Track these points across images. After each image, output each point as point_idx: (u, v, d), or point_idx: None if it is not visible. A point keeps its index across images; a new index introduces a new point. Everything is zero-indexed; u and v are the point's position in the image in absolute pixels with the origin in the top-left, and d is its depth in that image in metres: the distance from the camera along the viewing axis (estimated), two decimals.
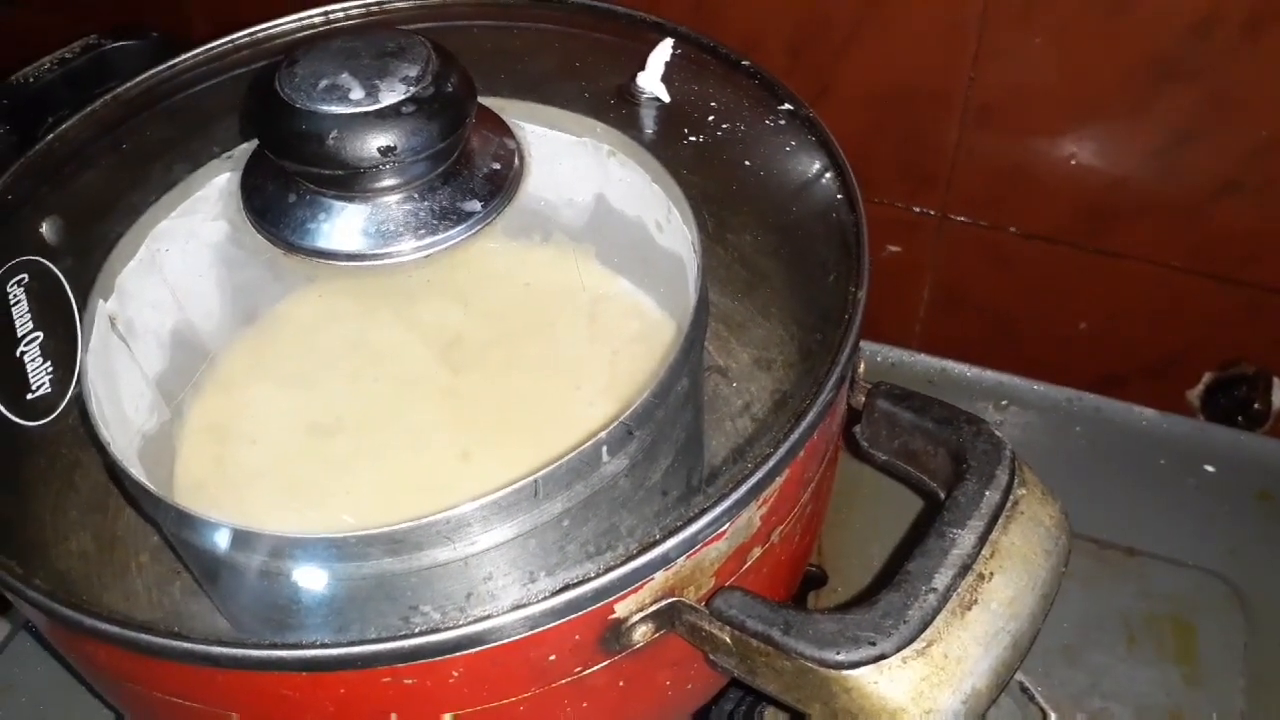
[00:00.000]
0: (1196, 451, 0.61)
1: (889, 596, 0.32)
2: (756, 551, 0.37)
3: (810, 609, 0.32)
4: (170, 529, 0.36)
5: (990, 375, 0.66)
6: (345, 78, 0.36)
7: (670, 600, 0.34)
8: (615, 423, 0.34)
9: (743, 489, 0.33)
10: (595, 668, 0.35)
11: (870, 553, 0.57)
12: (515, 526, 0.33)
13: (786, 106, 0.47)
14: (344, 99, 0.36)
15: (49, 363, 0.38)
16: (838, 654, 0.31)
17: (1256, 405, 0.68)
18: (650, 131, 0.47)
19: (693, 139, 0.46)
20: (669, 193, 0.44)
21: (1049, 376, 0.66)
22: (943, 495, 0.37)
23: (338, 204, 0.37)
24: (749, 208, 0.44)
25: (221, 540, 0.33)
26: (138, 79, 0.50)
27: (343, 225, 0.37)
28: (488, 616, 0.31)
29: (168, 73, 0.51)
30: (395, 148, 0.36)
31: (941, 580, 0.32)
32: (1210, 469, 0.60)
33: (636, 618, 0.34)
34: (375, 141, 0.35)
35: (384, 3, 0.54)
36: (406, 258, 0.37)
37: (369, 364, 0.39)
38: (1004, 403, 0.64)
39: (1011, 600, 0.32)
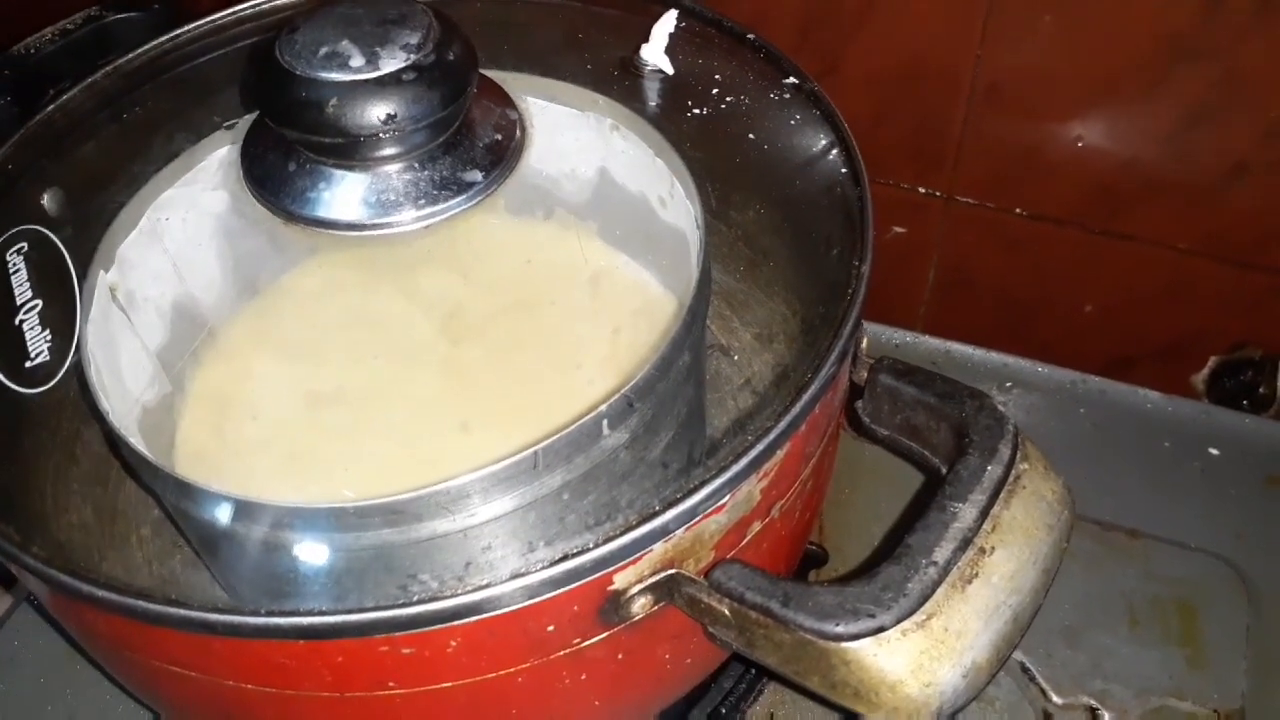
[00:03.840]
0: (1202, 435, 0.61)
1: (888, 569, 0.32)
2: (756, 526, 0.36)
3: (810, 582, 0.32)
4: (169, 499, 0.36)
5: (995, 357, 0.65)
6: (345, 45, 0.36)
7: (669, 572, 0.33)
8: (616, 396, 0.34)
9: (743, 461, 0.33)
10: (594, 639, 0.35)
11: (871, 531, 0.56)
12: (515, 499, 0.33)
13: (791, 80, 0.46)
14: (344, 66, 0.35)
15: (47, 331, 0.38)
16: (837, 626, 0.31)
17: (1262, 389, 0.67)
18: (654, 104, 0.46)
19: (696, 112, 0.46)
20: (672, 167, 0.44)
21: (1055, 359, 0.65)
22: (945, 470, 0.36)
23: (337, 173, 0.37)
24: (752, 183, 0.44)
25: (221, 511, 0.33)
26: (139, 50, 0.50)
27: (343, 194, 0.37)
28: (486, 585, 0.31)
29: (169, 44, 0.51)
30: (396, 115, 0.35)
31: (942, 554, 0.32)
32: (1215, 452, 0.60)
33: (635, 589, 0.33)
34: (375, 109, 0.35)
35: None
36: (407, 227, 0.37)
37: (369, 335, 0.39)
38: (1008, 384, 0.64)
39: (1012, 575, 0.32)
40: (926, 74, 0.65)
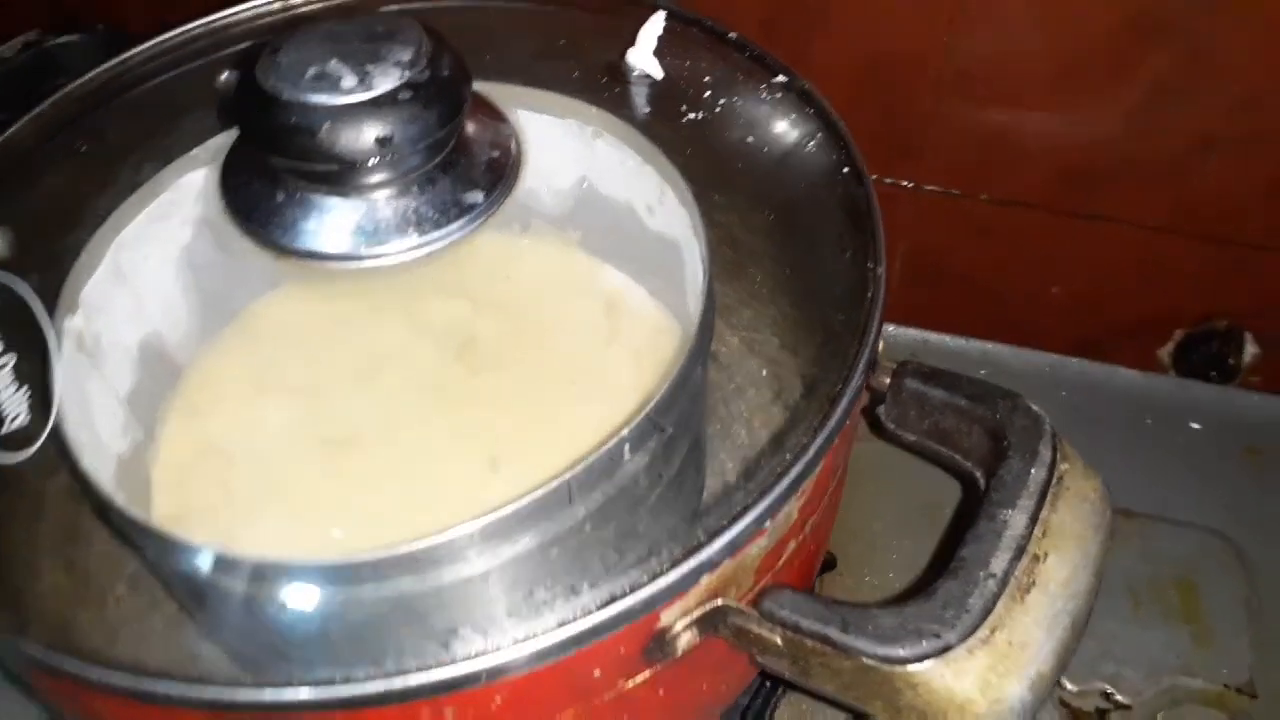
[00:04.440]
0: (1182, 410, 0.61)
1: (947, 585, 0.31)
2: (792, 545, 0.35)
3: (865, 604, 0.31)
4: (164, 560, 0.33)
5: (974, 344, 0.65)
6: (335, 65, 0.34)
7: (715, 604, 0.32)
8: (639, 417, 0.32)
9: (785, 481, 0.32)
10: (637, 679, 0.33)
11: (873, 530, 0.56)
12: (539, 533, 0.32)
13: (780, 79, 0.45)
14: (335, 88, 0.33)
15: (24, 389, 0.35)
16: (901, 649, 0.30)
17: (1230, 360, 0.68)
18: (642, 110, 0.45)
19: (688, 116, 0.44)
20: (663, 173, 0.42)
21: (1025, 342, 0.66)
22: (979, 474, 0.36)
23: (332, 200, 0.35)
24: (751, 187, 0.43)
25: (232, 573, 0.30)
26: (89, 75, 0.46)
27: (338, 223, 0.35)
28: (533, 637, 0.29)
29: (121, 68, 0.48)
30: (392, 137, 0.33)
31: (999, 564, 0.31)
32: (1196, 426, 0.61)
33: (681, 624, 0.32)
34: (372, 132, 0.33)
35: None
36: (410, 255, 0.35)
37: (374, 369, 0.37)
38: (983, 372, 0.64)
39: (1067, 580, 0.31)
40: (894, 63, 0.65)
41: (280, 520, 0.32)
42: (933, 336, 0.66)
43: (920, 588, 0.31)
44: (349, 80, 0.33)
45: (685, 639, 0.32)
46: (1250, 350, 0.70)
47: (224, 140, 0.42)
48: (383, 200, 0.35)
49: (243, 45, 0.50)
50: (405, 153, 0.34)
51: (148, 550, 0.33)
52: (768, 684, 0.49)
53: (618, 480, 0.33)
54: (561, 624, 0.30)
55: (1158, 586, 0.54)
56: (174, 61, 0.49)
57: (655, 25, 0.44)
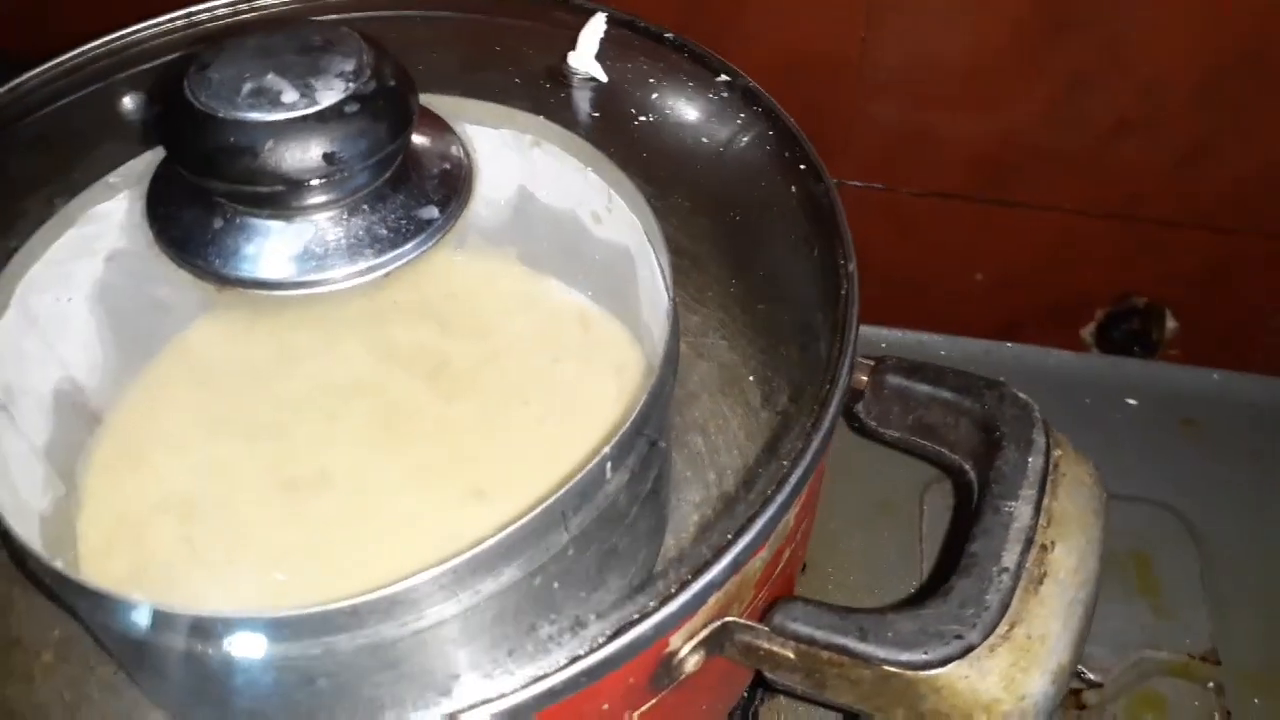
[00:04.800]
0: (1117, 388, 0.62)
1: (961, 583, 0.30)
2: (786, 553, 0.34)
3: (882, 610, 0.30)
4: (111, 625, 0.30)
5: (909, 335, 0.66)
6: (272, 79, 0.31)
7: (721, 622, 0.31)
8: (621, 433, 0.31)
9: (786, 489, 0.31)
10: (644, 708, 0.31)
11: (831, 530, 0.55)
12: (525, 563, 0.30)
13: (724, 78, 0.44)
14: (275, 103, 0.31)
15: None
16: (925, 653, 0.29)
17: (1154, 336, 0.70)
18: (586, 114, 0.43)
19: (633, 119, 0.43)
20: (610, 179, 0.41)
21: (949, 330, 0.66)
22: (968, 466, 0.35)
23: (276, 224, 0.32)
24: (705, 189, 0.42)
25: (210, 633, 0.27)
26: None
27: (285, 248, 0.32)
28: (544, 677, 0.27)
29: (9, 96, 0.44)
30: (341, 154, 0.31)
31: (1010, 558, 0.30)
32: (1132, 402, 0.62)
33: (688, 647, 0.31)
34: (318, 148, 0.31)
35: (251, 2, 0.48)
36: (367, 277, 0.32)
37: (336, 400, 0.34)
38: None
39: (1076, 568, 0.31)
40: (811, 61, 0.65)
41: (240, 572, 0.30)
42: (867, 330, 0.65)
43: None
44: (290, 95, 0.31)
45: (692, 661, 0.31)
46: (1169, 325, 0.72)
47: (137, 167, 0.39)
48: (332, 221, 0.33)
49: (146, 65, 0.46)
50: (355, 169, 0.31)
51: (95, 614, 0.30)
52: (745, 693, 0.47)
53: (599, 501, 0.32)
54: (573, 660, 0.28)
55: (1114, 563, 0.54)
56: (71, 86, 0.45)
57: (596, 27, 0.42)
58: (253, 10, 0.49)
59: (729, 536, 0.30)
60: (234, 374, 0.34)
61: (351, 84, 0.31)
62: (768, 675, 0.32)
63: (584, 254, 0.45)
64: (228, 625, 0.27)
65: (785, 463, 0.31)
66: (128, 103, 0.44)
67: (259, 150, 0.30)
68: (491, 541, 0.27)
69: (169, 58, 0.46)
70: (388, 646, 0.29)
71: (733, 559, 0.29)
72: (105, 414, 0.43)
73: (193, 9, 0.48)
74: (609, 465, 0.31)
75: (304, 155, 0.31)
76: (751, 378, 0.35)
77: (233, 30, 0.47)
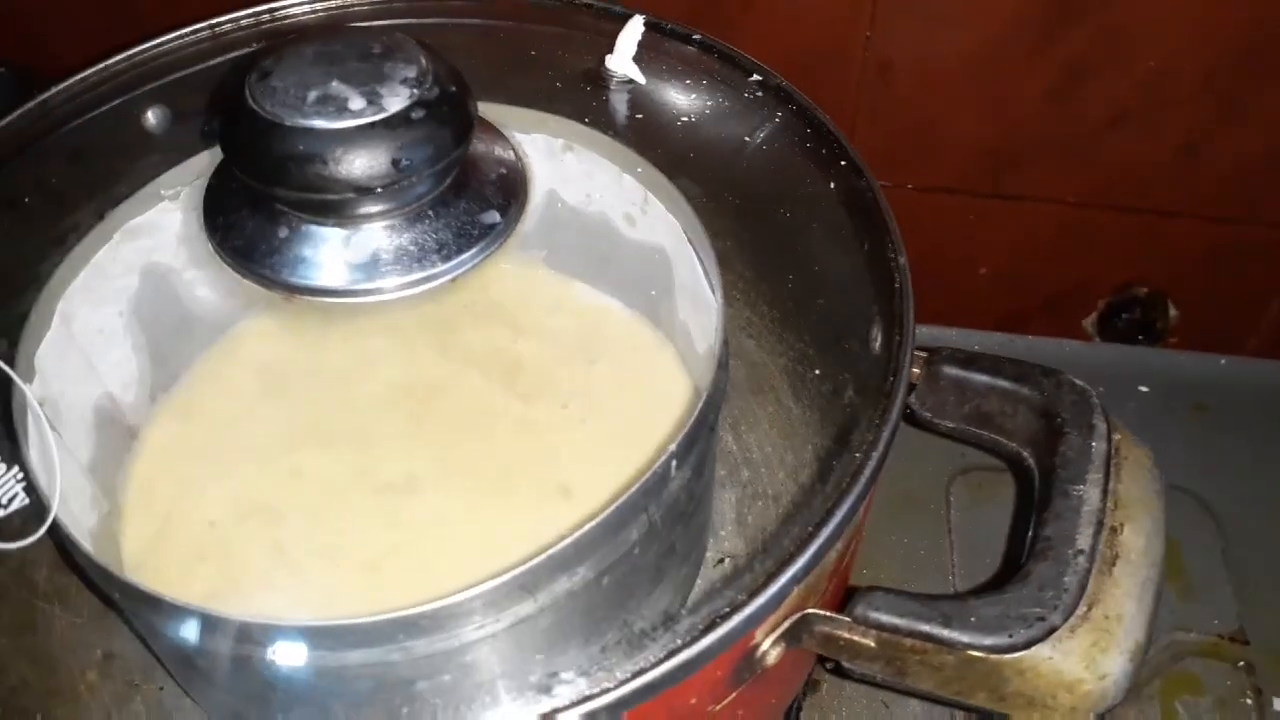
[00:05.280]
0: (1129, 376, 0.63)
1: (1038, 567, 0.30)
2: (853, 545, 0.35)
3: (961, 595, 0.30)
4: (200, 640, 0.30)
5: (922, 330, 0.66)
6: (337, 86, 0.31)
7: (801, 614, 0.31)
8: (686, 429, 0.31)
9: (862, 480, 0.31)
10: (724, 702, 0.32)
11: None
12: (608, 560, 0.30)
13: (756, 78, 0.45)
14: (343, 110, 0.31)
15: (13, 470, 0.31)
16: (1010, 636, 0.29)
17: (1159, 324, 0.71)
18: (621, 117, 0.43)
19: (670, 120, 0.43)
20: (647, 180, 0.41)
21: (952, 324, 0.67)
22: (1027, 454, 0.36)
23: (343, 232, 0.32)
24: (745, 187, 0.42)
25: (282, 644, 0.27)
26: (4, 121, 0.42)
27: (352, 255, 0.32)
28: (642, 672, 0.27)
29: (38, 111, 0.43)
30: (409, 160, 0.31)
31: (1084, 540, 0.31)
32: (1145, 389, 0.63)
33: (769, 640, 0.31)
34: (388, 155, 0.31)
35: (274, 10, 0.48)
36: (435, 283, 0.32)
37: (415, 405, 0.34)
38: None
39: (1145, 549, 0.32)
40: (816, 57, 0.65)
41: (334, 577, 0.29)
42: None
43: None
44: (356, 102, 0.31)
45: (773, 654, 0.31)
46: (1171, 313, 0.73)
47: (178, 178, 0.39)
48: (398, 227, 0.33)
49: (172, 77, 0.46)
50: (422, 174, 0.31)
51: (184, 632, 0.29)
52: None
53: (666, 497, 0.32)
54: (670, 654, 0.28)
55: None
56: (97, 100, 0.45)
57: (634, 29, 0.43)
58: (275, 20, 0.48)
59: (810, 528, 0.30)
60: (307, 381, 0.33)
61: (416, 90, 0.31)
62: (845, 664, 0.32)
63: (614, 257, 0.45)
64: (318, 633, 0.26)
65: (858, 454, 0.32)
66: (151, 117, 0.44)
67: (328, 158, 0.30)
68: (570, 540, 0.28)
69: (195, 68, 0.46)
70: (478, 648, 0.29)
71: (816, 549, 0.30)
72: (144, 429, 0.43)
73: (216, 20, 0.47)
74: (674, 462, 0.32)
75: (374, 162, 0.31)
76: (809, 373, 0.36)
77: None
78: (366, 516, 0.31)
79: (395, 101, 0.31)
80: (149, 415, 0.44)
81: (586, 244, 0.46)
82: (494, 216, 0.34)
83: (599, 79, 0.43)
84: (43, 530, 0.30)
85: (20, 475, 0.31)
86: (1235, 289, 0.72)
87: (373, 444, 0.32)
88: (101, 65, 0.45)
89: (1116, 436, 0.34)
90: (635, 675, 0.27)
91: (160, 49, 0.46)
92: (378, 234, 0.33)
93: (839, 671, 0.32)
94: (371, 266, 0.32)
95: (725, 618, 0.28)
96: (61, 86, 0.44)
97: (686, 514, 0.33)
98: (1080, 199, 0.70)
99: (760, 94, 0.44)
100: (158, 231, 0.39)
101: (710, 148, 0.43)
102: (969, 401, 0.36)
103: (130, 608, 0.28)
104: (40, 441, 0.34)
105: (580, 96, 0.43)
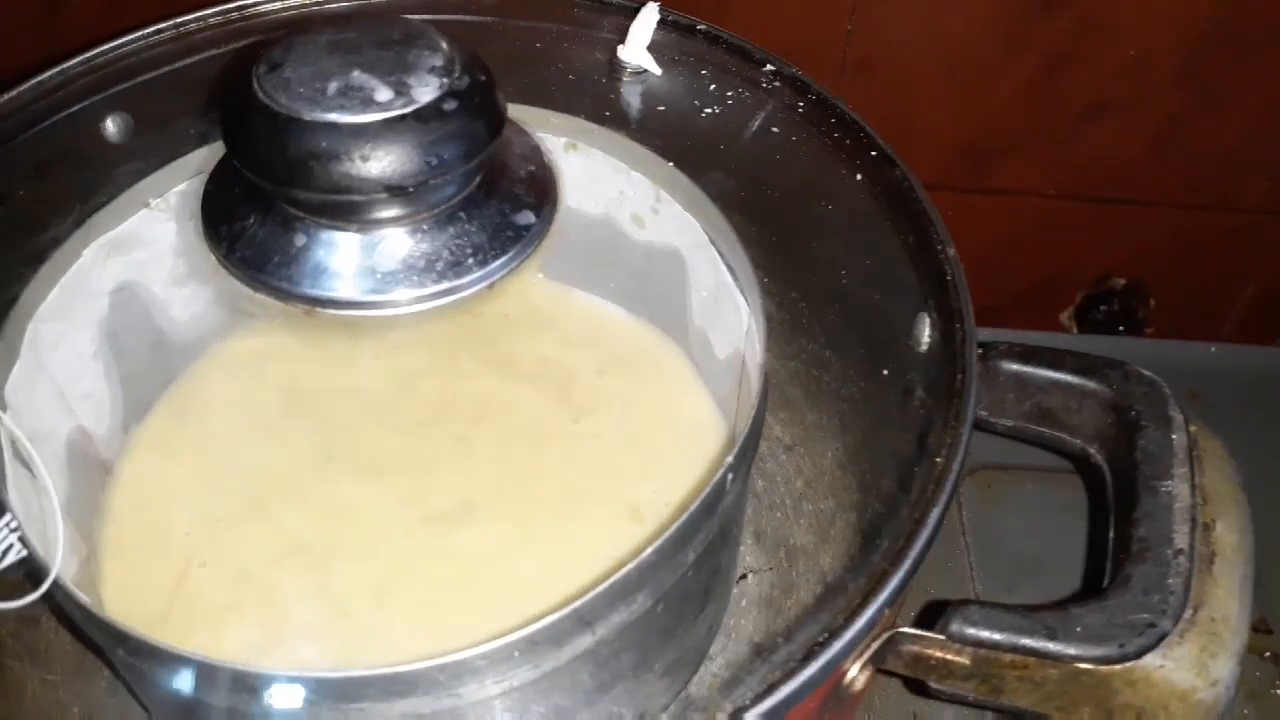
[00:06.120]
0: None
1: (1139, 569, 0.28)
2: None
3: (1063, 605, 0.28)
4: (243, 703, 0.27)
5: None
6: (359, 76, 0.28)
7: (889, 634, 0.29)
8: (739, 445, 0.29)
9: (948, 485, 0.29)
10: None
11: None
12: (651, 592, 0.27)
13: (770, 68, 0.42)
14: (369, 103, 0.28)
15: (4, 518, 0.27)
16: (1120, 646, 0.27)
17: (1140, 314, 0.71)
18: (632, 112, 0.41)
19: (681, 114, 0.41)
20: (659, 177, 0.39)
21: None
22: (1094, 450, 0.34)
23: (367, 237, 0.29)
24: (768, 181, 0.40)
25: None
26: None
27: (380, 262, 0.29)
28: (745, 707, 0.25)
29: None
30: (444, 155, 0.28)
31: (1181, 539, 0.29)
32: None
33: (858, 664, 0.28)
34: (420, 151, 0.28)
35: (243, 8, 0.45)
36: (471, 290, 0.29)
37: (461, 425, 0.31)
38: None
39: (1238, 544, 0.30)
40: (796, 52, 0.63)
41: (391, 618, 0.26)
42: None
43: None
44: (384, 93, 0.28)
45: (861, 679, 0.29)
46: (1150, 303, 0.73)
47: (157, 185, 0.35)
48: (430, 231, 0.30)
49: (133, 81, 0.42)
50: (457, 171, 0.29)
51: (219, 692, 0.26)
52: None
53: (720, 515, 0.30)
54: (770, 688, 0.25)
55: None
56: (55, 105, 0.41)
57: (649, 18, 0.40)
58: (244, 18, 0.45)
59: (901, 541, 0.28)
60: (335, 403, 0.30)
61: (445, 80, 0.29)
62: (933, 685, 0.30)
63: (619, 261, 0.43)
64: (405, 679, 0.23)
65: (939, 459, 0.30)
66: (110, 125, 0.41)
67: (356, 155, 0.27)
68: (634, 564, 0.25)
69: (160, 71, 0.42)
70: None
71: (912, 562, 0.28)
72: (120, 464, 0.39)
73: (180, 19, 0.43)
74: (730, 476, 0.29)
75: (406, 159, 0.28)
76: (870, 375, 0.34)
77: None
78: (419, 550, 0.28)
79: (425, 92, 0.28)
80: (123, 448, 0.40)
81: (587, 249, 0.43)
82: (528, 217, 0.31)
83: (611, 71, 0.40)
84: (44, 588, 0.26)
85: (15, 524, 0.27)
86: (1209, 276, 0.72)
87: (420, 470, 0.29)
88: (58, 69, 0.41)
89: (1193, 428, 0.32)
90: (740, 709, 0.25)
91: (119, 51, 0.42)
92: (405, 238, 0.30)
93: (921, 692, 0.29)
94: (401, 274, 0.29)
95: (824, 646, 0.26)
96: (16, 92, 0.39)
97: (730, 532, 0.31)
98: (1057, 191, 0.69)
99: (777, 84, 0.42)
100: (138, 244, 0.36)
101: (728, 142, 0.41)
102: (1029, 398, 0.34)
103: (163, 675, 0.25)
104: (32, 487, 0.30)
105: (595, 89, 0.40)
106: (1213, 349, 0.64)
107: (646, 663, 0.31)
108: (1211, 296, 0.73)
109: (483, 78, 0.30)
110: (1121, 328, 0.73)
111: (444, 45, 0.30)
